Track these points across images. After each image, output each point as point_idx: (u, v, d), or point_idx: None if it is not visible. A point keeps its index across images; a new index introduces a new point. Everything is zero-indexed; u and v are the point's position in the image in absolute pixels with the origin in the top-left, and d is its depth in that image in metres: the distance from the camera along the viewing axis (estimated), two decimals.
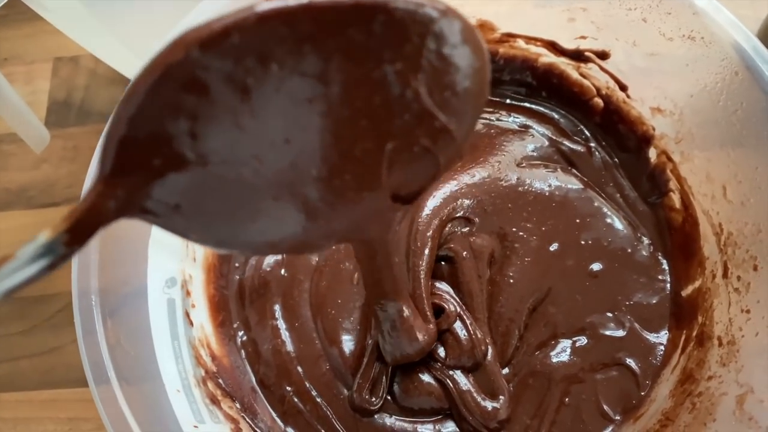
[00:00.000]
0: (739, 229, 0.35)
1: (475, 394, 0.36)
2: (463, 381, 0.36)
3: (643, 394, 0.37)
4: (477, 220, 0.40)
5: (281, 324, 0.39)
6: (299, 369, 0.38)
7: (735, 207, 0.35)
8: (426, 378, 0.36)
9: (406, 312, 0.33)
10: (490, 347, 0.37)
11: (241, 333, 0.40)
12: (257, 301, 0.40)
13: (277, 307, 0.40)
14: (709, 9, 0.33)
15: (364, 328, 0.38)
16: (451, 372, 0.36)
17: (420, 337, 0.34)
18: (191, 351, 0.34)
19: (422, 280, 0.37)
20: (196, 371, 0.33)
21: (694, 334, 0.36)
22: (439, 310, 0.37)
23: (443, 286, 0.38)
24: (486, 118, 0.45)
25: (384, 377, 0.37)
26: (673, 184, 0.40)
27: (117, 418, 0.27)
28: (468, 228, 0.40)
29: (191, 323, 0.35)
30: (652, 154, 0.41)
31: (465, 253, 0.39)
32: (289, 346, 0.39)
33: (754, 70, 0.33)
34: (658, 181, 0.41)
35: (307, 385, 0.38)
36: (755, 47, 0.33)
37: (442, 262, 0.40)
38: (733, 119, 0.35)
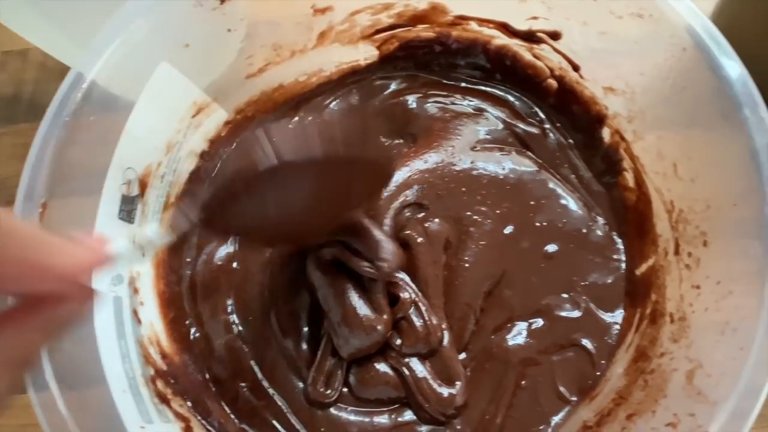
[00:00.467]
0: (689, 205, 0.35)
1: (431, 381, 0.36)
2: (419, 368, 0.36)
3: (598, 374, 0.37)
4: (431, 205, 0.40)
5: (234, 318, 0.39)
6: (253, 364, 0.38)
7: (686, 184, 0.36)
8: (382, 367, 0.36)
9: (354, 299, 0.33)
10: (446, 333, 0.37)
11: (193, 329, 0.39)
12: (210, 296, 0.39)
13: (229, 302, 0.39)
14: None
15: (319, 319, 0.38)
16: (407, 360, 0.36)
17: (370, 328, 0.33)
18: (139, 350, 0.33)
19: None
20: (145, 370, 0.33)
21: (648, 312, 0.37)
22: (394, 298, 0.37)
23: (399, 274, 0.38)
24: (441, 102, 0.45)
25: (339, 369, 0.36)
26: (626, 163, 0.40)
27: (58, 425, 0.26)
28: (422, 214, 0.40)
29: (139, 321, 0.35)
30: (606, 133, 0.41)
31: (420, 239, 0.38)
32: (243, 341, 0.38)
33: (702, 47, 0.32)
34: (612, 160, 0.41)
35: (261, 380, 0.37)
36: (703, 24, 0.33)
37: None
38: (683, 96, 0.35)
